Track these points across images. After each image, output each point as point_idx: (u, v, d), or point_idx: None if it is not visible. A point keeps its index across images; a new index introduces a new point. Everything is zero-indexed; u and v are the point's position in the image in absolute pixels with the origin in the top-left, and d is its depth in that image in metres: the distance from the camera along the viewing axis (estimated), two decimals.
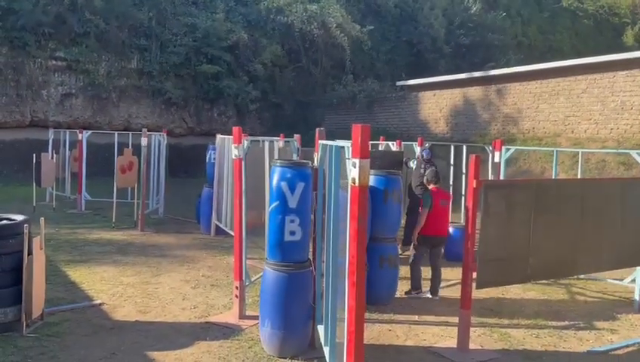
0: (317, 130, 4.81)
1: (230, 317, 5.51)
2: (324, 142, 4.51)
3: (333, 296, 3.87)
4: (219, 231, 9.48)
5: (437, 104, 17.45)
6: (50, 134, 12.92)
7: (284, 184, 4.46)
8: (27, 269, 4.87)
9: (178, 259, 7.87)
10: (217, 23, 19.82)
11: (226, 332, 5.12)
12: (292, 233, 4.49)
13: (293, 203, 4.46)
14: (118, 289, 6.33)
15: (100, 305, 5.78)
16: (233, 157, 5.45)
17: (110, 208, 10.79)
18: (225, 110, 21.23)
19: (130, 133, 12.07)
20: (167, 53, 19.44)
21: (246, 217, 5.57)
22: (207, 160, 9.84)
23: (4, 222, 5.00)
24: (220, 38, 19.89)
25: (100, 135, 13.87)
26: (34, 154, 11.15)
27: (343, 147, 3.66)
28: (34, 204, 10.91)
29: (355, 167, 2.93)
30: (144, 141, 9.85)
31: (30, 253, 4.90)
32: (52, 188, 12.07)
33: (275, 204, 4.51)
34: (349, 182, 3.01)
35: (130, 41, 18.93)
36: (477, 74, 17.60)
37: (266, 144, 6.10)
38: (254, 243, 7.29)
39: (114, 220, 10.14)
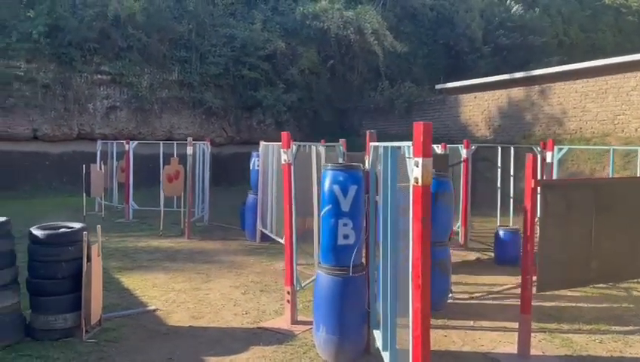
0: (368, 132, 4.77)
1: (282, 322, 5.49)
2: (376, 143, 4.46)
3: (393, 300, 3.80)
4: (264, 238, 9.53)
5: (478, 106, 17.14)
6: (98, 146, 13.29)
7: (336, 187, 4.42)
8: (86, 276, 4.98)
9: (226, 266, 7.93)
10: (255, 32, 20.10)
11: (279, 337, 5.10)
12: (345, 236, 4.44)
13: (346, 206, 4.42)
14: (170, 296, 6.41)
15: (154, 310, 5.86)
16: (282, 161, 5.45)
17: (156, 216, 11.01)
18: (263, 118, 21.43)
19: (175, 142, 12.26)
20: (206, 64, 19.81)
21: (296, 222, 5.55)
22: (251, 167, 9.90)
23: (64, 229, 5.14)
24: (257, 47, 20.15)
25: (143, 146, 14.17)
26: (83, 165, 11.49)
27: (399, 147, 3.59)
28: (84, 214, 11.21)
29: (417, 166, 2.86)
30: (190, 150, 10.01)
31: (89, 259, 5.01)
32: (101, 198, 12.39)
33: (327, 207, 4.47)
34: (411, 182, 2.94)
35: (171, 53, 19.37)
36: (519, 74, 17.22)
37: (313, 148, 6.09)
38: (300, 249, 7.28)
39: (161, 228, 10.32)
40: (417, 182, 2.87)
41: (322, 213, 4.54)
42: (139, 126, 19.10)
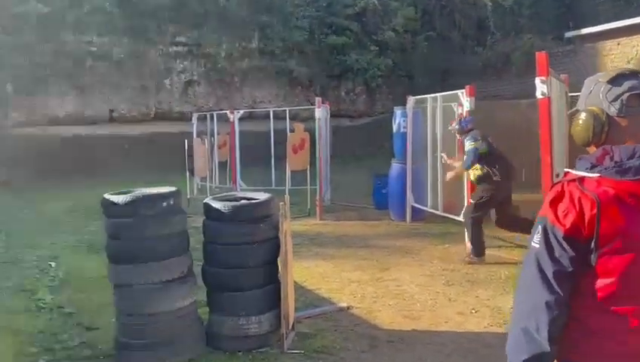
0: None
1: None
2: None
3: None
4: (415, 216, 8.24)
5: (623, 55, 15.08)
6: (194, 119, 12.30)
7: None
8: (283, 262, 3.86)
9: (394, 251, 6.68)
10: None
11: None
12: None
13: None
14: (352, 288, 5.25)
15: (348, 308, 4.70)
16: (539, 96, 4.09)
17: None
18: (353, 87, 20.13)
19: (287, 109, 10.98)
20: (289, 28, 18.63)
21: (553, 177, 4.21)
22: (394, 130, 8.58)
23: (250, 201, 4.01)
24: (346, 4, 18.85)
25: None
26: (185, 141, 10.57)
27: None
28: (188, 197, 10.27)
29: None
30: (318, 112, 8.79)
31: None
32: (204, 179, 11.29)
33: None
34: None
35: (251, 17, 18.30)
36: None
37: (554, 82, 4.69)
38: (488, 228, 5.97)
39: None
40: None
41: None
42: (219, 101, 18.15)
